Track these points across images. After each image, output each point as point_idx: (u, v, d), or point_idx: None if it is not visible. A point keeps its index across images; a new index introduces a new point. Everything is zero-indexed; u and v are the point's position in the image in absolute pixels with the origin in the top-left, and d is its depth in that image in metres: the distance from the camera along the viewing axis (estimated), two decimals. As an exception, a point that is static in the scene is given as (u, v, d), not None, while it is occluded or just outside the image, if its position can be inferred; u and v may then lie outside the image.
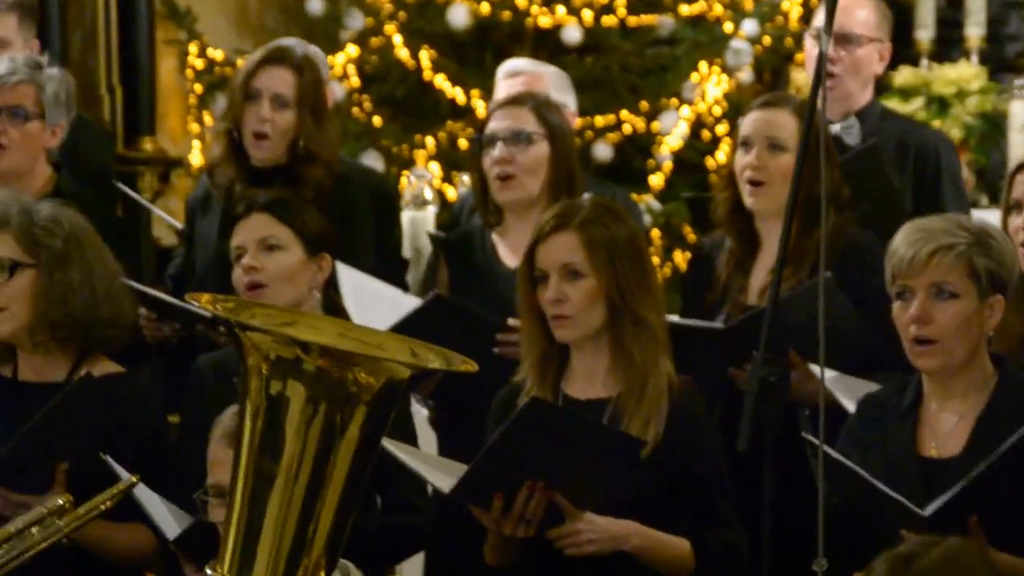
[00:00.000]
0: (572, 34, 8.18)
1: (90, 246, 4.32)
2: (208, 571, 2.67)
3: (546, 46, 8.13)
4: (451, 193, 7.78)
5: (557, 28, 8.22)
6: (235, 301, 2.75)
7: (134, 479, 3.70)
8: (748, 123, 4.70)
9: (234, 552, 2.65)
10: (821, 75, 3.59)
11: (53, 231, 4.26)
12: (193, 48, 8.60)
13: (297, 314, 3.06)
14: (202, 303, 2.70)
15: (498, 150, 4.81)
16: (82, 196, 5.05)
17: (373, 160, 8.07)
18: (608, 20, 8.29)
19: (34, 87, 5.07)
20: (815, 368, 3.96)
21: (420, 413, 4.92)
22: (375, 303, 4.78)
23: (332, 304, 4.44)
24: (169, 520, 3.98)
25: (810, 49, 5.47)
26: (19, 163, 5.07)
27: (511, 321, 4.45)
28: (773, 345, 3.65)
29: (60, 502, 3.40)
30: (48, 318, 4.23)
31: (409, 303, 4.84)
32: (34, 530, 3.35)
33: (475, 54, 8.26)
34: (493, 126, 4.86)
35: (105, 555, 4.16)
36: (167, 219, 5.74)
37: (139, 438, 4.19)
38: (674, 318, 4.54)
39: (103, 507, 3.84)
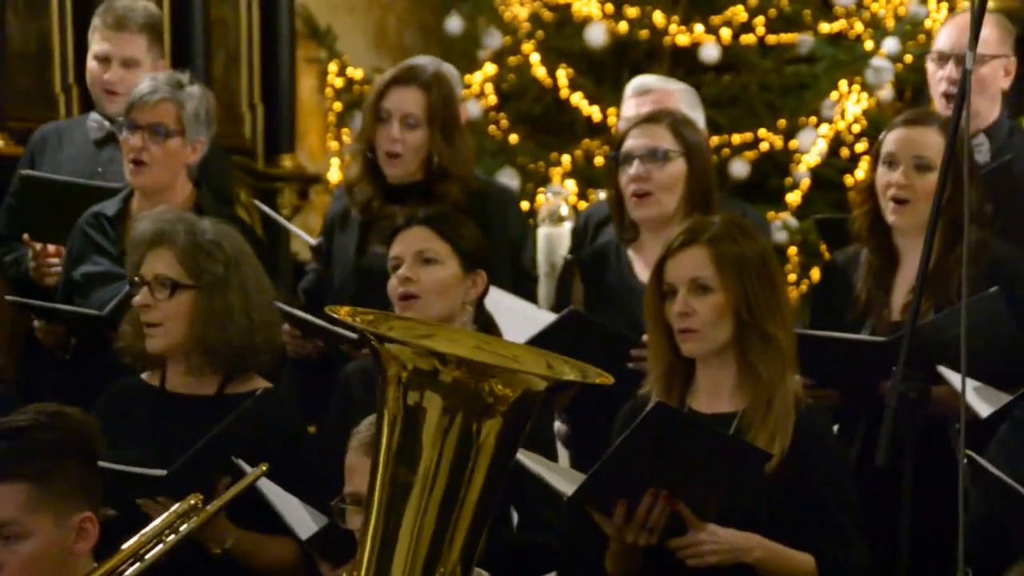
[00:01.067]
0: (710, 52, 8.16)
1: (249, 271, 4.38)
2: (345, 577, 2.70)
3: (683, 64, 8.12)
4: (588, 211, 7.79)
5: (695, 46, 8.20)
6: (374, 314, 2.78)
7: (262, 467, 3.74)
8: (893, 140, 4.66)
9: (370, 560, 2.67)
10: (965, 93, 3.57)
11: (215, 255, 4.33)
12: (333, 67, 8.70)
13: (435, 326, 3.09)
14: (341, 315, 2.74)
15: (634, 168, 4.82)
16: (221, 213, 5.13)
17: (509, 177, 8.10)
18: (747, 38, 8.26)
19: (175, 105, 5.15)
20: (956, 381, 3.93)
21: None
22: (511, 318, 4.80)
23: (484, 319, 4.47)
24: (306, 520, 4.03)
25: (932, 72, 5.43)
26: (160, 179, 5.15)
27: (645, 337, 4.45)
28: (922, 361, 3.63)
29: (192, 502, 3.46)
30: (204, 342, 4.29)
31: (544, 318, 4.86)
32: (168, 535, 3.40)
33: (612, 72, 8.26)
34: (630, 144, 4.86)
35: (254, 566, 4.22)
36: (300, 234, 5.81)
37: (287, 449, 4.24)
38: (821, 333, 4.51)
39: (230, 501, 3.85)
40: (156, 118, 5.12)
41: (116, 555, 3.26)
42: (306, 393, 5.12)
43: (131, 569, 3.27)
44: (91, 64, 5.78)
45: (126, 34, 5.67)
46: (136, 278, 4.38)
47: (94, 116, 5.79)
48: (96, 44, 5.76)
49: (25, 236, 5.32)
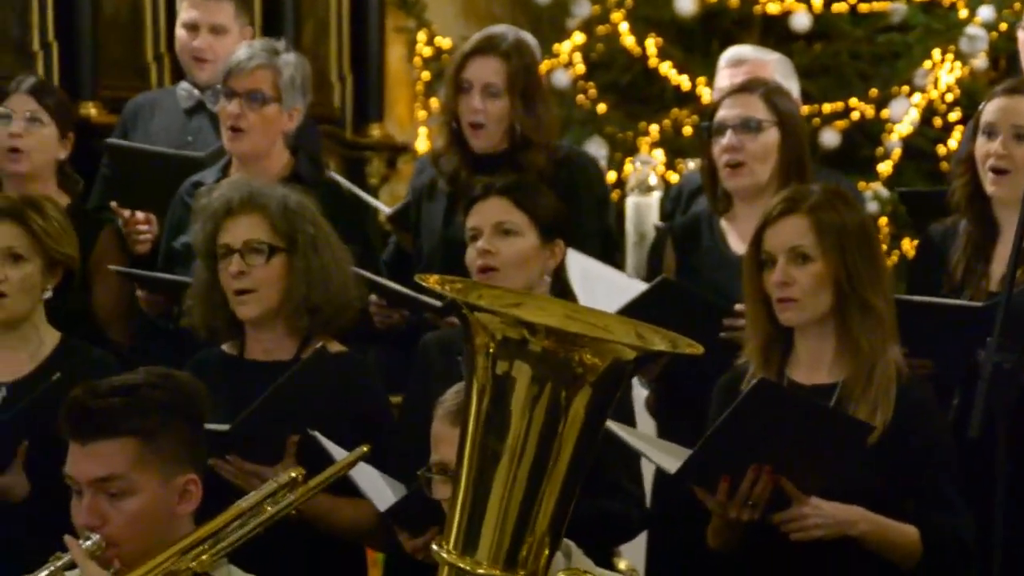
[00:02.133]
0: (801, 21, 8.09)
1: (330, 232, 4.40)
2: (434, 547, 2.70)
3: (774, 33, 8.06)
4: (675, 180, 7.76)
5: (786, 15, 8.14)
6: (463, 282, 2.77)
7: (364, 448, 3.75)
8: (992, 110, 4.60)
9: (459, 529, 2.67)
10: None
11: (304, 216, 4.34)
12: (421, 36, 8.70)
13: (524, 295, 3.07)
14: (431, 284, 2.73)
15: (727, 138, 4.79)
16: (319, 180, 5.14)
17: (597, 147, 8.08)
18: (838, 6, 8.19)
19: (272, 71, 5.16)
20: None
21: (638, 398, 4.92)
22: (602, 287, 4.79)
23: (563, 289, 4.46)
24: (385, 492, 4.04)
25: (1023, 40, 5.37)
26: (258, 146, 5.17)
27: (738, 306, 4.43)
28: (1018, 331, 3.58)
29: (292, 475, 3.47)
30: (294, 303, 4.30)
31: (635, 287, 4.85)
32: (267, 505, 3.42)
33: (701, 41, 8.22)
34: (723, 114, 4.83)
35: (330, 529, 4.23)
36: (377, 205, 5.82)
37: (363, 415, 4.25)
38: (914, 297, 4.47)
39: (333, 478, 3.87)
40: (253, 84, 5.14)
41: (215, 520, 3.29)
42: (393, 365, 5.13)
43: (230, 537, 3.29)
44: (180, 32, 5.82)
45: (213, 1, 5.70)
46: (220, 248, 4.36)
47: (184, 85, 5.83)
48: (184, 12, 5.80)
49: (113, 204, 5.37)
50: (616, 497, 4.20)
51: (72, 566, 3.19)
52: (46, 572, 3.20)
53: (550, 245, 4.42)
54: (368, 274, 4.70)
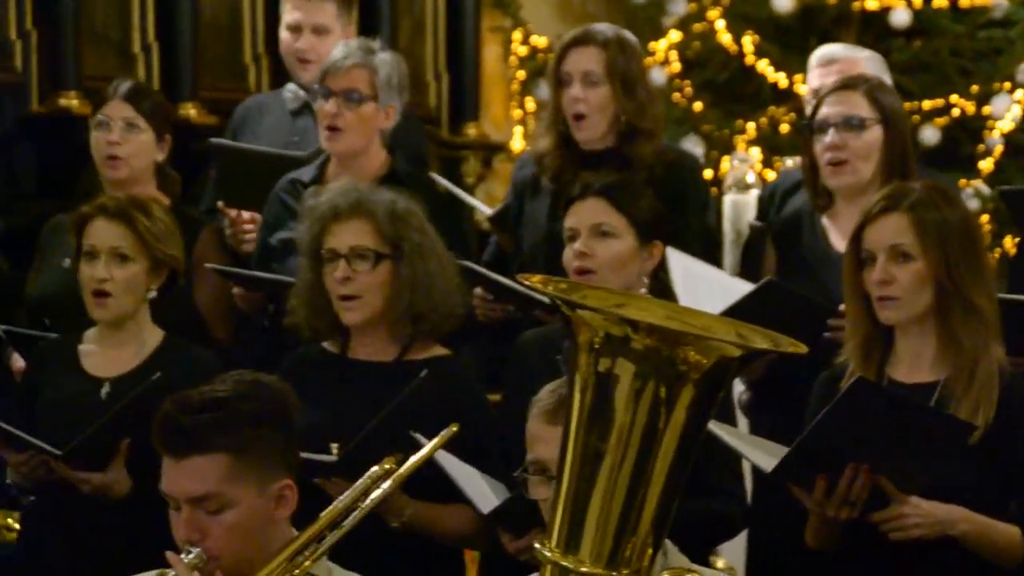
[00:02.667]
0: (900, 17, 8.03)
1: (436, 239, 4.40)
2: (536, 545, 2.70)
3: (872, 29, 8.01)
4: (772, 178, 7.72)
5: (885, 11, 8.07)
6: (567, 282, 2.78)
7: (453, 428, 3.75)
8: None
9: (561, 528, 2.67)
10: None
11: (411, 223, 4.35)
12: (517, 35, 8.71)
13: (628, 295, 3.07)
14: (534, 283, 2.73)
15: (830, 136, 4.75)
16: (416, 180, 5.16)
17: (693, 145, 8.07)
18: (938, 2, 8.12)
19: (368, 70, 5.17)
20: None
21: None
22: (704, 287, 4.77)
23: (662, 290, 4.44)
24: (486, 492, 4.04)
25: None
26: (354, 145, 5.18)
27: (842, 307, 4.40)
28: None
29: (387, 466, 3.48)
30: (398, 310, 4.32)
31: (739, 287, 4.82)
32: (364, 502, 3.42)
33: (799, 39, 8.17)
34: (825, 111, 4.79)
35: (433, 536, 4.25)
36: (477, 205, 5.82)
37: (463, 418, 4.24)
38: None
39: (422, 462, 3.85)
40: (349, 83, 5.15)
41: (315, 523, 3.29)
42: (490, 360, 5.13)
43: (330, 536, 3.30)
44: (283, 34, 5.85)
45: (316, 1, 5.73)
46: (326, 252, 4.37)
47: (290, 87, 5.86)
48: (288, 14, 5.83)
49: (220, 204, 5.41)
50: (717, 496, 4.18)
51: None
52: None
53: (648, 247, 4.40)
54: (476, 266, 4.70)
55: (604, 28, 5.22)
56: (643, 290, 4.36)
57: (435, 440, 3.75)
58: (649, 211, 4.42)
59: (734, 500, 4.21)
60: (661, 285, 4.46)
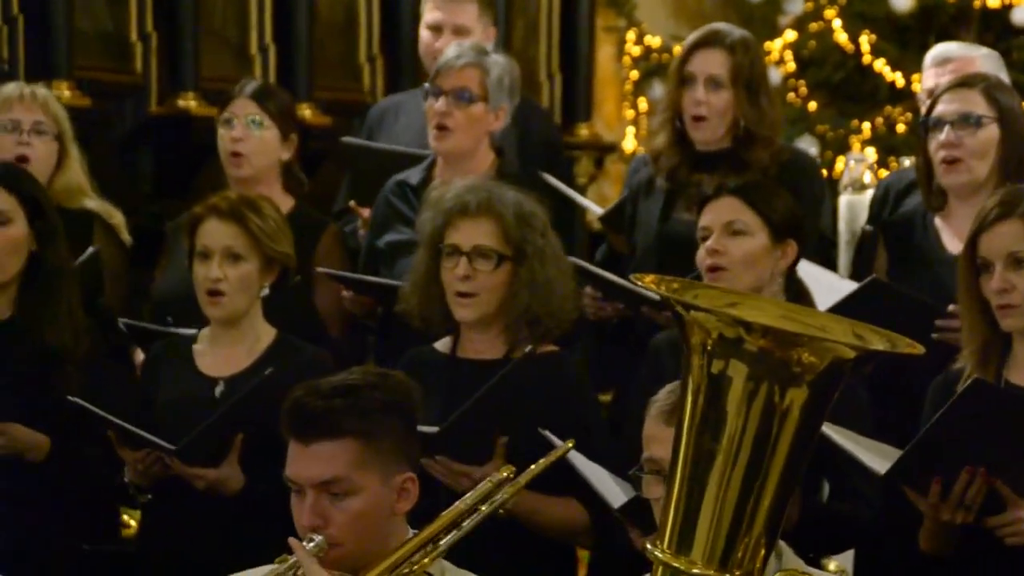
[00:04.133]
0: (1022, 15, 7.92)
1: (557, 243, 4.40)
2: (648, 546, 2.70)
3: (993, 28, 7.91)
4: (889, 179, 7.66)
5: (1006, 8, 7.97)
6: (679, 282, 2.76)
7: (569, 444, 3.76)
8: None
9: (673, 528, 2.66)
10: None
11: (536, 226, 4.34)
12: (631, 35, 8.70)
13: (740, 295, 3.05)
14: (646, 283, 2.73)
15: (945, 134, 4.70)
16: (526, 181, 5.16)
17: (808, 145, 8.01)
18: (1061, -1, 8.02)
19: (479, 70, 5.18)
20: None
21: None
22: (813, 286, 4.74)
23: (797, 289, 4.42)
24: (614, 489, 4.04)
25: None
26: (463, 145, 5.19)
27: (951, 307, 4.35)
28: None
29: (504, 475, 3.48)
30: (515, 313, 4.32)
31: (845, 287, 4.79)
32: (483, 507, 3.43)
33: (917, 37, 8.10)
34: (941, 109, 4.74)
35: (539, 528, 4.25)
36: (589, 205, 5.81)
37: (572, 416, 4.24)
38: None
39: (539, 474, 3.87)
40: (460, 83, 5.17)
41: (435, 522, 3.30)
42: (602, 359, 5.13)
43: (447, 537, 3.31)
44: (423, 34, 5.87)
45: (456, 2, 5.74)
46: (447, 246, 4.37)
47: (427, 86, 5.89)
48: (428, 13, 5.85)
49: (351, 203, 5.44)
50: (850, 498, 4.15)
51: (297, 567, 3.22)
52: (272, 572, 3.24)
53: (782, 245, 4.38)
54: (587, 264, 4.69)
55: (731, 30, 5.19)
56: (776, 289, 4.34)
57: (551, 454, 3.76)
58: (784, 210, 4.40)
59: (865, 503, 4.16)
60: (796, 284, 4.43)
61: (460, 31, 5.72)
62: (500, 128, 5.26)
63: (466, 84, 5.16)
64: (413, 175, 5.27)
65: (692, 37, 5.22)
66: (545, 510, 4.23)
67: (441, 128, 5.16)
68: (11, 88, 5.25)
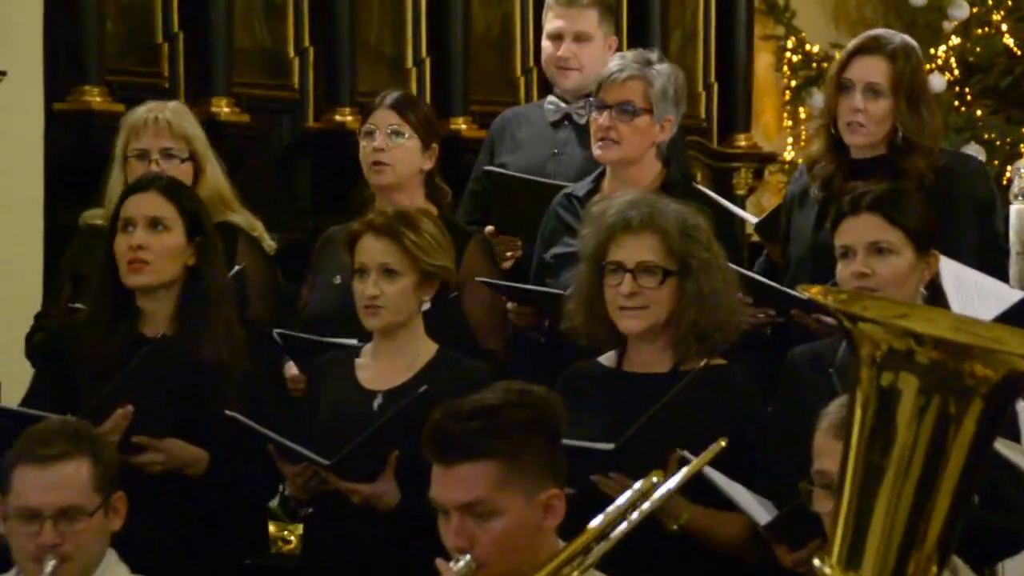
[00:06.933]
0: None
1: (722, 255, 4.36)
2: (816, 562, 2.64)
3: None
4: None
5: None
6: (847, 293, 2.71)
7: (721, 443, 3.70)
8: None
9: (842, 544, 2.60)
10: None
11: (699, 239, 4.31)
12: (790, 43, 8.60)
13: (910, 306, 2.98)
14: (813, 294, 2.66)
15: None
16: (689, 192, 5.11)
17: (974, 153, 7.85)
18: None
19: (643, 82, 5.16)
20: None
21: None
22: (978, 297, 4.63)
23: (936, 299, 4.33)
24: (756, 507, 3.98)
25: None
26: (627, 156, 5.17)
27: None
28: None
29: (653, 480, 3.44)
30: (683, 327, 4.28)
31: (1014, 296, 4.67)
32: (631, 512, 3.39)
33: (1089, 40, 7.94)
34: None
35: (709, 542, 4.21)
36: (743, 215, 5.74)
37: (744, 428, 4.19)
38: None
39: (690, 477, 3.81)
40: (624, 96, 5.15)
41: (583, 534, 3.26)
42: (761, 375, 5.05)
43: (598, 547, 3.27)
44: (545, 44, 5.87)
45: (576, 9, 5.75)
46: (610, 263, 4.32)
47: (551, 98, 5.88)
48: (549, 23, 5.86)
49: (489, 228, 5.45)
50: (1004, 509, 4.04)
51: None
52: None
53: (925, 257, 4.29)
54: (741, 270, 4.63)
55: (892, 37, 5.10)
56: (919, 300, 4.25)
57: (704, 454, 3.70)
58: (922, 220, 4.32)
59: (1019, 514, 4.06)
60: (937, 293, 4.34)
61: (580, 37, 5.72)
62: (666, 139, 5.22)
63: (629, 97, 5.14)
64: (581, 187, 5.27)
65: (852, 43, 5.14)
66: (720, 526, 4.20)
67: (605, 141, 5.14)
68: (139, 114, 5.27)
